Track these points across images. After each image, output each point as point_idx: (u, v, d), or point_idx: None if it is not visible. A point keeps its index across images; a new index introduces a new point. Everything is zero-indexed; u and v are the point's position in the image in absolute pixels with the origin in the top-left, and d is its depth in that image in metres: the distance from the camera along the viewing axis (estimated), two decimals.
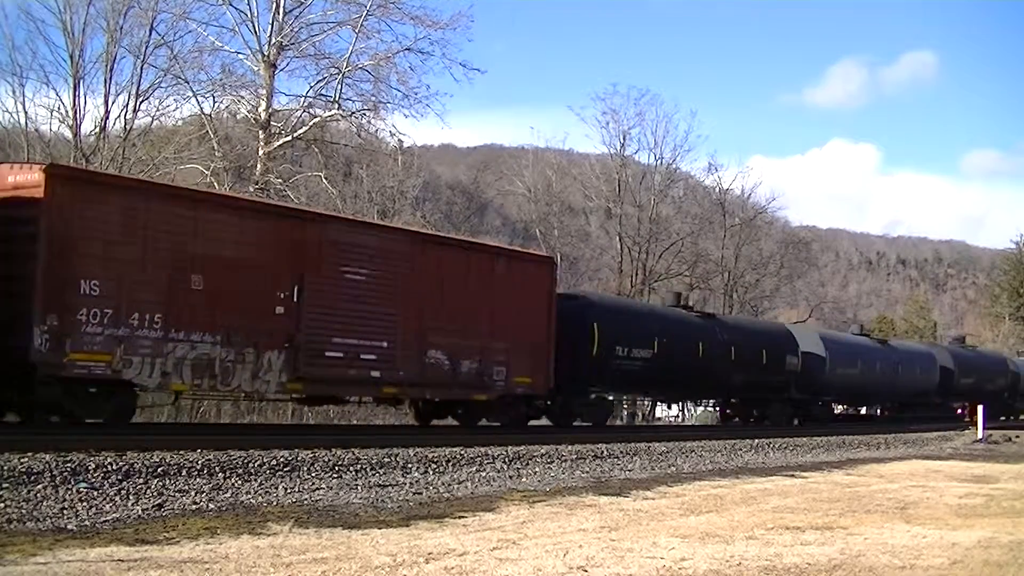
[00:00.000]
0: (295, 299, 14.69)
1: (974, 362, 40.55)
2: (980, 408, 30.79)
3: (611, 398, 25.64)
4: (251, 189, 27.08)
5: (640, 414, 38.25)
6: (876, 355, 33.37)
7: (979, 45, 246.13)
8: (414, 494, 10.52)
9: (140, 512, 8.38)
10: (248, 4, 27.52)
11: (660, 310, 26.02)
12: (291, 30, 28.10)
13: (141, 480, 9.60)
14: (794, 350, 28.12)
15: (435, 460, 12.90)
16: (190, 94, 27.08)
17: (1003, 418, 41.14)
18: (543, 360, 19.25)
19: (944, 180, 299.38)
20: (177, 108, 27.36)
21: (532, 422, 21.03)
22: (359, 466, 11.87)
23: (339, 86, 28.50)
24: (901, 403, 37.22)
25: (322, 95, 28.89)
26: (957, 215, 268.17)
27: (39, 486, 8.85)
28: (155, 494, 9.19)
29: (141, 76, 25.62)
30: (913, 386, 35.55)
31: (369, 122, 30.18)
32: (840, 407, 37.41)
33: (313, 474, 11.14)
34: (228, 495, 9.51)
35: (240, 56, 28.02)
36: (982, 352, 45.96)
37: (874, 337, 38.23)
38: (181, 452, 11.02)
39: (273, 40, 27.55)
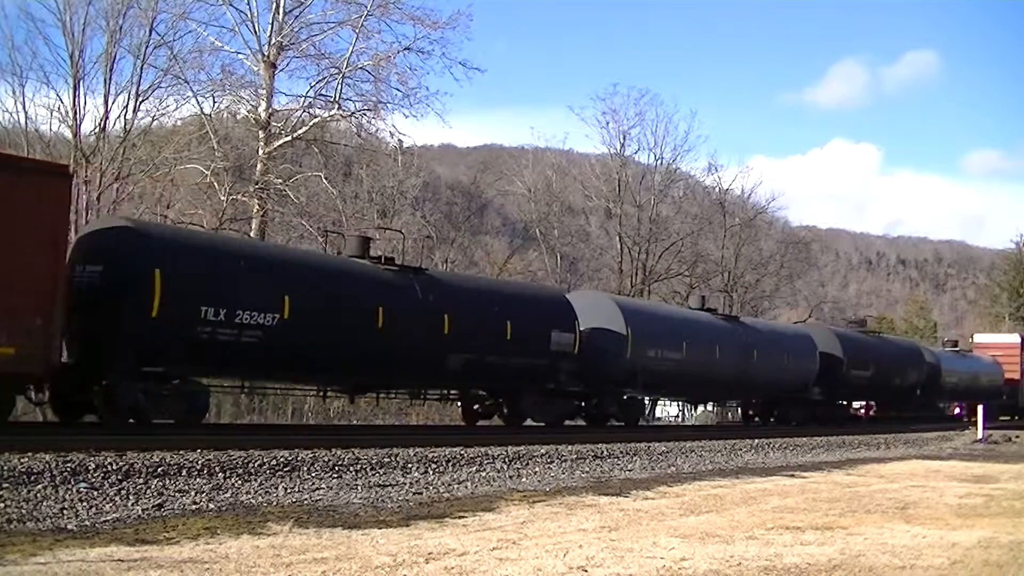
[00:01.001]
0: None
1: (875, 350, 32.52)
2: (980, 408, 30.80)
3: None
4: (251, 189, 27.11)
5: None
6: (722, 336, 25.27)
7: (981, 44, 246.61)
8: (414, 494, 10.52)
9: (140, 512, 8.38)
10: (248, 4, 27.56)
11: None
12: (291, 30, 28.12)
13: (141, 480, 9.60)
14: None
15: (435, 460, 12.90)
16: (190, 94, 27.12)
17: (914, 416, 35.86)
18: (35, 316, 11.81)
19: (945, 180, 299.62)
20: (177, 108, 27.39)
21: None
22: (359, 466, 11.87)
23: (339, 86, 28.54)
24: (762, 399, 29.90)
25: (322, 95, 28.92)
26: (958, 215, 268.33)
27: (39, 486, 8.85)
28: (155, 494, 9.19)
29: (141, 76, 25.63)
30: (778, 378, 27.17)
31: (369, 122, 30.22)
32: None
33: (313, 474, 11.14)
34: (228, 495, 9.51)
35: (240, 56, 28.05)
36: (890, 339, 38.85)
37: (725, 315, 27.98)
38: (181, 452, 11.02)
39: (273, 40, 27.56)
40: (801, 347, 28.23)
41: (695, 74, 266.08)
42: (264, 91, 27.83)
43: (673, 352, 22.69)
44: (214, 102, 28.36)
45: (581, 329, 20.14)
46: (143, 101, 25.89)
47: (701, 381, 24.79)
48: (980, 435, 28.68)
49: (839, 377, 29.61)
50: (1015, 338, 44.80)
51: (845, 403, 33.92)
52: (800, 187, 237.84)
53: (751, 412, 31.05)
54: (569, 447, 15.74)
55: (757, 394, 29.04)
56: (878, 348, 33.24)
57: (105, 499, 8.74)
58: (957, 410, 41.98)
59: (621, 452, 16.11)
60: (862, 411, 37.11)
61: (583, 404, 21.59)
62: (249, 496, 9.58)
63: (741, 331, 26.36)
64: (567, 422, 21.57)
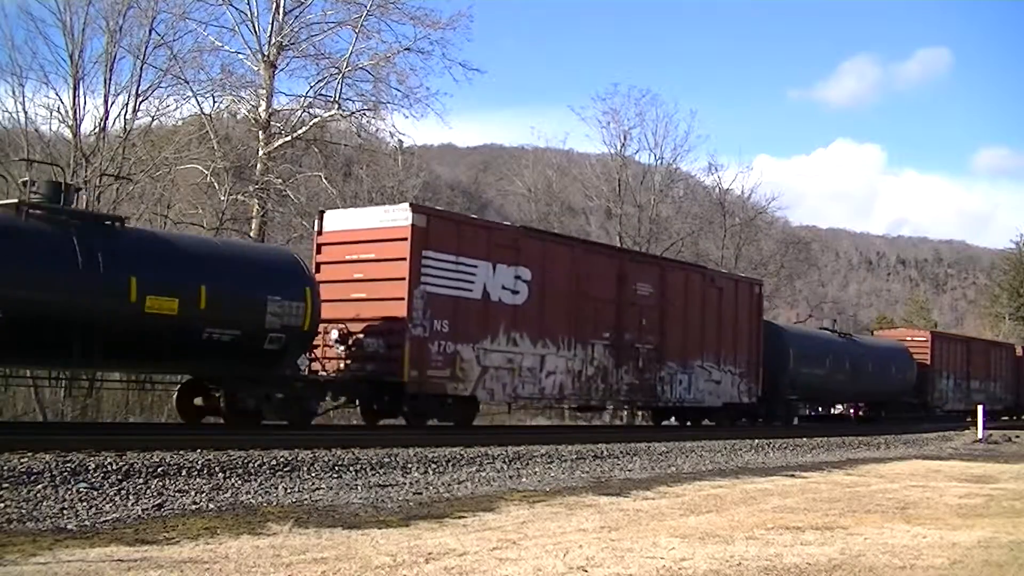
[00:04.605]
0: None
1: None
2: (980, 408, 30.77)
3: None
4: (251, 189, 27.10)
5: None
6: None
7: (995, 42, 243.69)
8: (414, 494, 10.52)
9: (140, 512, 8.37)
10: (248, 4, 27.54)
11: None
12: (291, 30, 28.10)
13: (141, 480, 9.60)
14: None
15: (435, 460, 12.90)
16: (190, 94, 27.09)
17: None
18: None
19: (952, 179, 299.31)
20: (177, 108, 27.36)
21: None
22: (359, 466, 11.87)
23: (339, 86, 28.51)
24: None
25: (322, 95, 28.89)
26: (963, 214, 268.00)
27: (39, 486, 8.85)
28: (155, 494, 9.19)
29: (141, 76, 25.61)
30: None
31: (369, 122, 30.20)
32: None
33: (313, 474, 11.14)
34: (228, 495, 9.51)
35: (240, 56, 28.03)
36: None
37: None
38: (181, 452, 11.03)
39: (273, 40, 27.55)
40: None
41: (702, 73, 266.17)
42: (264, 91, 27.82)
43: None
44: (214, 102, 28.37)
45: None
46: (143, 101, 25.90)
47: None
48: (980, 435, 28.68)
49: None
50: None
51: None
52: (804, 187, 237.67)
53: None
54: (569, 447, 15.76)
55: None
56: None
57: (105, 499, 8.74)
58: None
59: (621, 452, 16.12)
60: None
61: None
62: (249, 496, 9.57)
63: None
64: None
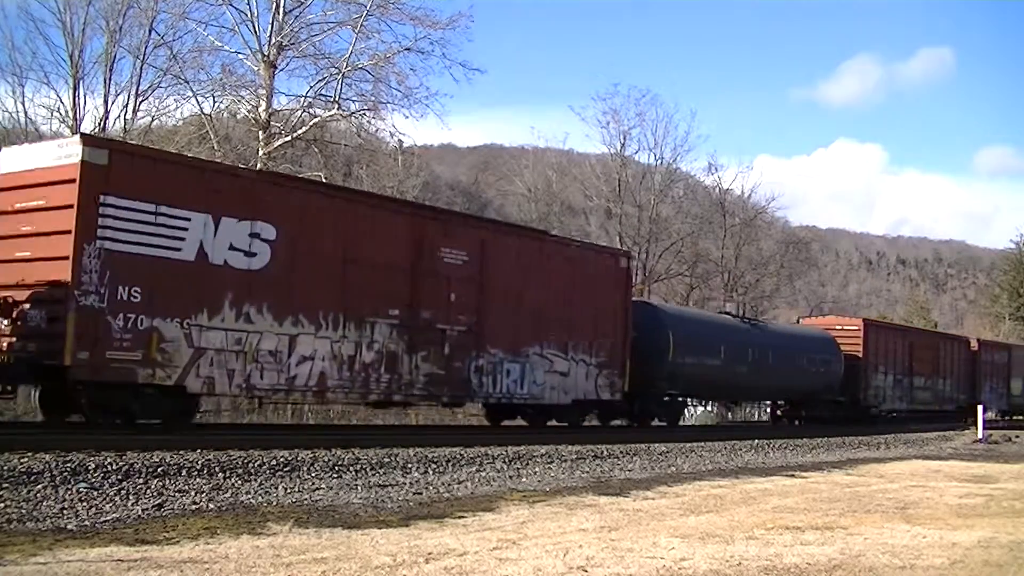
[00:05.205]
0: None
1: None
2: (980, 408, 30.77)
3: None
4: None
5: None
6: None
7: (998, 41, 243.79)
8: (414, 494, 10.52)
9: (140, 512, 8.38)
10: (248, 4, 27.49)
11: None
12: (291, 30, 28.08)
13: (141, 480, 9.60)
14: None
15: (435, 460, 12.91)
16: (190, 94, 27.09)
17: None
18: None
19: (954, 178, 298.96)
20: (177, 108, 27.40)
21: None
22: (359, 466, 11.88)
23: (339, 86, 28.48)
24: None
25: (322, 95, 28.87)
26: (964, 214, 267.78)
27: (39, 486, 8.86)
28: (155, 494, 9.19)
29: (141, 76, 25.68)
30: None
31: (369, 122, 30.16)
32: None
33: (313, 474, 11.15)
34: (228, 495, 9.51)
35: (240, 56, 28.00)
36: None
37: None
38: (181, 452, 11.04)
39: (273, 40, 27.54)
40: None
41: (703, 73, 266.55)
42: (264, 91, 27.81)
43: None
44: (214, 102, 28.36)
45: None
46: (143, 101, 25.97)
47: None
48: (980, 435, 28.68)
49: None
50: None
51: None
52: (804, 187, 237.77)
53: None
54: (569, 447, 15.76)
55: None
56: None
57: (105, 499, 8.75)
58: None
59: (621, 452, 16.12)
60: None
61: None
62: (249, 496, 9.58)
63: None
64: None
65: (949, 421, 35.00)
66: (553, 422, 20.59)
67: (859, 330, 32.02)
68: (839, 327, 32.12)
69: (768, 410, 35.80)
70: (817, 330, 31.62)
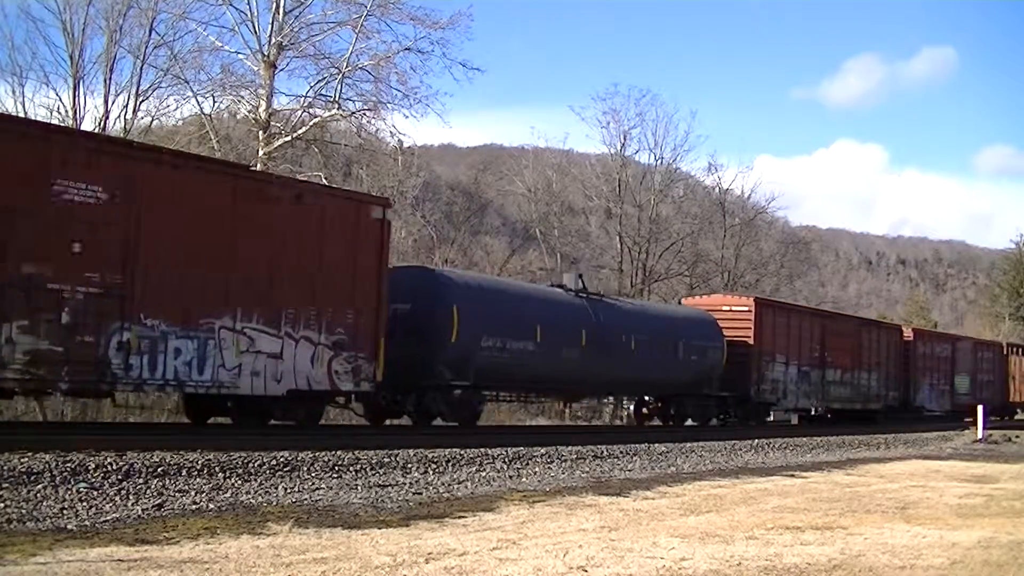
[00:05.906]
0: None
1: None
2: (980, 408, 30.76)
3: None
4: None
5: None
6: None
7: (1001, 40, 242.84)
8: (414, 494, 10.52)
9: (140, 512, 8.38)
10: (248, 4, 27.50)
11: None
12: (291, 30, 28.08)
13: (141, 480, 9.61)
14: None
15: (435, 460, 12.91)
16: (190, 94, 27.09)
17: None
18: None
19: (955, 178, 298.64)
20: (177, 108, 27.40)
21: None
22: (359, 466, 11.88)
23: (339, 86, 28.48)
24: None
25: (322, 95, 28.87)
26: (965, 214, 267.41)
27: (39, 486, 8.86)
28: (155, 494, 9.20)
29: (141, 76, 25.69)
30: None
31: (369, 122, 30.14)
32: None
33: (313, 474, 11.15)
34: (228, 495, 9.51)
35: (240, 56, 28.00)
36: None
37: None
38: (181, 452, 11.04)
39: (273, 40, 27.54)
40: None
41: (703, 73, 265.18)
42: (264, 91, 27.80)
43: None
44: (214, 102, 28.36)
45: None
46: (143, 101, 25.98)
47: None
48: (980, 435, 28.69)
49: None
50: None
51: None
52: (806, 187, 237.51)
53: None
54: (569, 447, 15.76)
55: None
56: None
57: (105, 499, 8.75)
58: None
59: (621, 452, 16.13)
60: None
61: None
62: (249, 496, 9.58)
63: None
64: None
65: (873, 423, 30.28)
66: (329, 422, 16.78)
67: (749, 311, 26.22)
68: (726, 307, 26.46)
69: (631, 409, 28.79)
70: (692, 310, 26.05)
